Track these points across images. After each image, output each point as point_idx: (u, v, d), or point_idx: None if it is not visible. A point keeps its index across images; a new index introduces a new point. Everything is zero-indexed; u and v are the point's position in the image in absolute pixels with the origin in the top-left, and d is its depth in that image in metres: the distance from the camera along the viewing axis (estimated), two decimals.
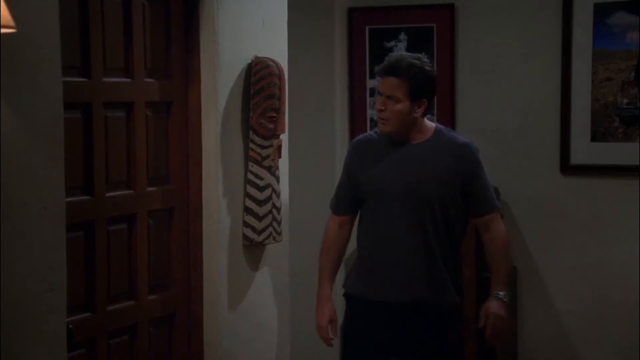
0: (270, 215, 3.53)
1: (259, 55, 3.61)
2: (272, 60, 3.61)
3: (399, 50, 4.84)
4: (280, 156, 3.59)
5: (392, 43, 4.86)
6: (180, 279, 3.39)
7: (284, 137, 3.68)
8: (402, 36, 4.84)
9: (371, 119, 4.93)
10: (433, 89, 3.28)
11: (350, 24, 4.92)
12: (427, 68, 3.25)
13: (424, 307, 3.26)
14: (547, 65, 4.57)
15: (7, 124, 2.54)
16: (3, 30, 2.36)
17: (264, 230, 3.52)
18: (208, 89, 3.38)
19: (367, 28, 4.89)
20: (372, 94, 4.92)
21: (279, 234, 3.57)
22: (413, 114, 3.24)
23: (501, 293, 3.37)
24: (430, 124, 3.35)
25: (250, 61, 3.59)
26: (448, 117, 4.78)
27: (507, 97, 4.70)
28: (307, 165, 4.68)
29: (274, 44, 3.72)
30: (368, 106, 4.92)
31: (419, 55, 3.36)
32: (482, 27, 4.71)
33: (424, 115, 3.30)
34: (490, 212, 3.37)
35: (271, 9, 3.72)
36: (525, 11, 4.62)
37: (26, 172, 2.62)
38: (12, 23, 2.35)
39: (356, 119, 4.96)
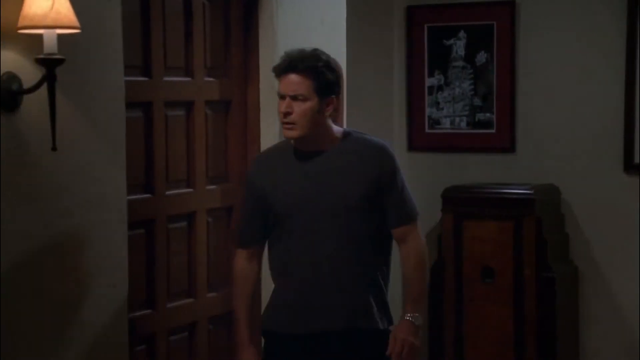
0: None
1: None
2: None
3: (459, 49, 4.79)
4: None
5: (451, 41, 4.82)
6: None
7: None
8: (462, 34, 4.79)
9: (429, 117, 4.90)
10: (339, 84, 2.93)
11: (409, 22, 4.90)
12: (325, 58, 2.89)
13: (355, 333, 2.91)
14: (612, 62, 4.49)
15: (70, 123, 2.58)
16: (67, 31, 2.40)
17: None
18: (267, 88, 3.39)
19: (426, 26, 4.86)
20: (430, 93, 4.88)
21: None
22: (323, 113, 2.86)
23: (412, 315, 2.94)
24: (337, 127, 2.96)
25: None
26: (507, 117, 4.73)
27: (569, 95, 4.63)
28: None
29: (332, 43, 3.71)
30: (427, 105, 4.89)
31: (316, 48, 2.97)
32: (544, 24, 4.64)
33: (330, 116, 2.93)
34: (408, 222, 2.96)
35: (330, 7, 3.72)
36: (589, 8, 4.54)
37: (89, 170, 2.66)
38: (76, 23, 2.39)
39: (414, 118, 4.93)
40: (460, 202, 4.52)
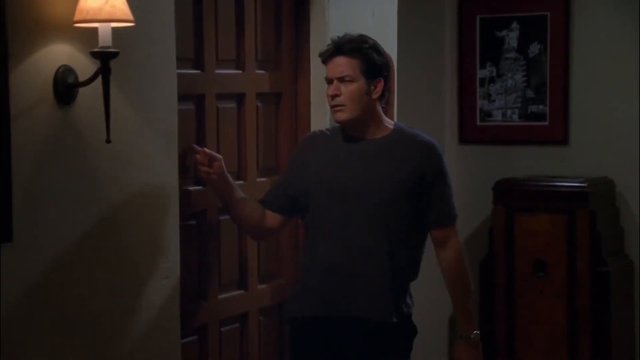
0: None
1: None
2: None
3: (511, 40, 4.74)
4: None
5: (504, 32, 4.77)
6: (289, 268, 3.41)
7: None
8: (514, 25, 4.74)
9: (480, 110, 4.86)
10: (387, 66, 2.90)
11: (460, 13, 4.86)
12: (371, 41, 2.89)
13: (377, 324, 2.86)
14: None
15: (124, 115, 2.61)
16: (122, 25, 2.43)
17: None
18: (317, 80, 3.39)
19: (477, 17, 4.82)
20: (482, 85, 4.84)
21: None
22: (371, 95, 2.84)
23: (472, 333, 2.92)
24: (389, 120, 2.95)
25: None
26: (561, 109, 4.67)
27: (623, 87, 4.55)
28: None
29: (383, 35, 3.69)
30: (478, 97, 4.85)
31: (363, 34, 2.97)
32: (599, 14, 4.57)
33: (381, 100, 2.91)
34: (447, 223, 2.93)
35: (381, 0, 3.70)
36: None
37: (142, 162, 2.69)
38: (130, 17, 2.41)
39: (466, 110, 4.90)
40: (512, 195, 4.48)
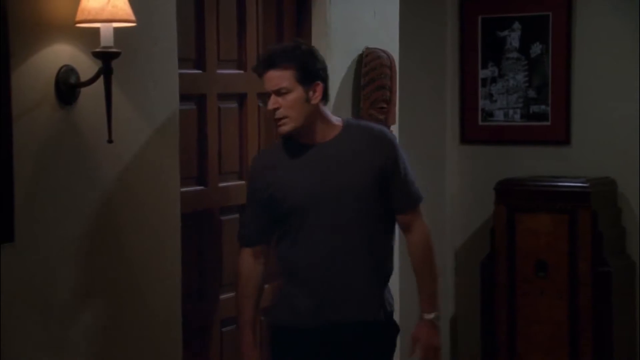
0: None
1: (370, 46, 3.59)
2: (383, 51, 3.59)
3: (513, 40, 4.74)
4: None
5: (506, 32, 4.76)
6: None
7: (395, 128, 3.65)
8: (516, 25, 4.74)
9: (482, 110, 4.85)
10: (321, 67, 2.83)
11: (462, 13, 4.86)
12: (304, 47, 2.83)
13: (366, 325, 2.86)
14: None
15: (125, 116, 2.61)
16: (124, 25, 2.43)
17: None
18: None
19: (479, 17, 4.81)
20: (484, 85, 4.84)
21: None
22: (311, 101, 2.79)
23: (432, 315, 2.93)
24: (336, 118, 2.91)
25: (361, 52, 3.58)
26: (562, 109, 4.67)
27: (625, 87, 4.55)
28: (417, 156, 4.64)
29: (385, 35, 3.70)
30: (480, 97, 4.85)
31: (296, 39, 2.97)
32: (600, 14, 4.56)
33: (324, 101, 2.86)
34: (413, 207, 2.93)
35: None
36: None
37: (143, 162, 2.69)
38: (132, 17, 2.41)
39: (467, 110, 4.89)
40: (514, 195, 4.48)
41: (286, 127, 2.79)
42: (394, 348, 2.97)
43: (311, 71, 2.79)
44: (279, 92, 2.77)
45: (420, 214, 2.97)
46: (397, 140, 3.03)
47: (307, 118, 2.80)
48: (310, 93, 2.79)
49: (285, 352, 2.90)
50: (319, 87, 2.80)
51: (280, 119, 2.78)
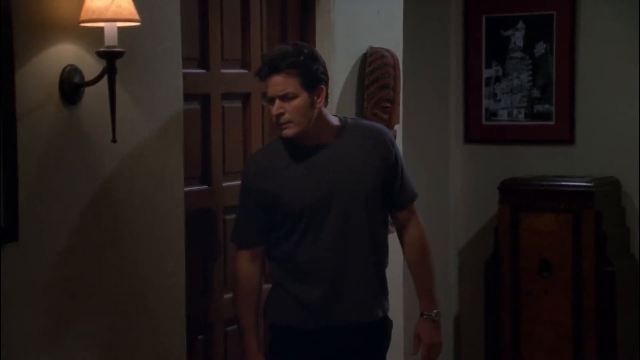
0: None
1: (374, 45, 3.60)
2: (387, 51, 3.59)
3: (517, 39, 4.74)
4: None
5: (510, 32, 4.76)
6: None
7: (398, 128, 3.65)
8: (520, 25, 4.73)
9: (486, 109, 4.85)
10: (322, 70, 2.81)
11: (466, 12, 4.85)
12: (307, 51, 2.79)
13: (370, 325, 2.87)
14: None
15: (129, 115, 2.61)
16: (128, 24, 2.43)
17: None
18: None
19: (483, 17, 4.81)
20: (488, 84, 4.83)
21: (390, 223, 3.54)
22: (315, 105, 2.78)
23: (432, 312, 2.94)
24: (332, 117, 2.89)
25: (365, 52, 3.58)
26: (566, 109, 4.66)
27: (630, 86, 4.54)
28: (421, 155, 4.65)
29: (389, 34, 3.70)
30: (484, 96, 4.84)
31: (297, 42, 2.95)
32: (605, 14, 4.56)
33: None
34: (411, 203, 2.95)
35: None
36: None
37: (147, 162, 2.70)
38: (136, 17, 2.42)
39: (471, 109, 4.89)
40: (518, 195, 4.48)
41: (290, 131, 2.77)
42: (389, 342, 2.99)
43: (315, 76, 2.78)
44: (284, 98, 2.74)
45: (415, 212, 2.98)
46: (396, 138, 3.06)
47: (310, 122, 2.78)
48: (315, 97, 2.78)
49: (285, 352, 2.89)
50: (323, 91, 2.79)
51: (284, 122, 2.76)
